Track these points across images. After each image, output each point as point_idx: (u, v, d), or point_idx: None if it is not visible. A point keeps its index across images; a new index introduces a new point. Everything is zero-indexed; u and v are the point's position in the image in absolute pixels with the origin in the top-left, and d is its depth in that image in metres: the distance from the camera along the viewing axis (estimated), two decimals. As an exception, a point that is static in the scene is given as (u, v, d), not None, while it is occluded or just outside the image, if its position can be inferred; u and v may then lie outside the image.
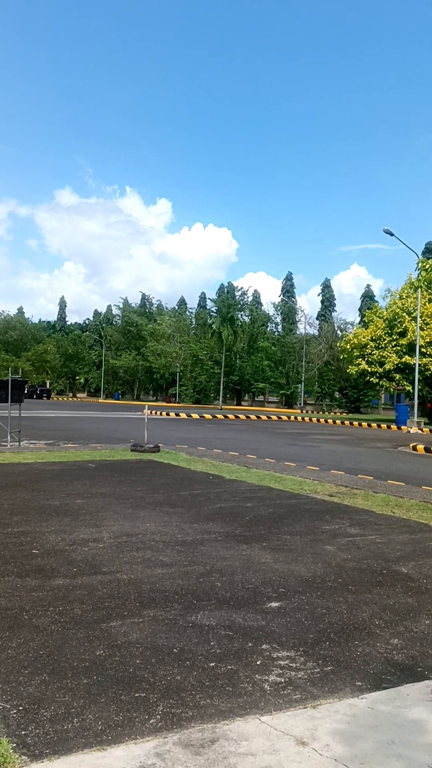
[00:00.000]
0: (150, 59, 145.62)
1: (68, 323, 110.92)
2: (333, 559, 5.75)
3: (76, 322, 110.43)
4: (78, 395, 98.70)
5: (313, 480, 10.94)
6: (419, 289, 32.60)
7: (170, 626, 3.99)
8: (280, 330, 73.76)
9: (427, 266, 18.15)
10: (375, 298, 71.98)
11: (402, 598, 4.73)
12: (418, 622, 4.23)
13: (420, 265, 18.46)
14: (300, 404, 61.99)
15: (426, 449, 18.70)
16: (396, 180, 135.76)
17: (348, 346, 38.93)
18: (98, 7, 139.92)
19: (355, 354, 38.26)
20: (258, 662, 3.50)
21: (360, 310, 73.56)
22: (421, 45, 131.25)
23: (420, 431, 30.31)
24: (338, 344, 47.74)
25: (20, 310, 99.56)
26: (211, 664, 3.45)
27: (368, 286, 79.50)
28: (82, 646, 3.66)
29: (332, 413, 55.00)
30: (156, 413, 37.39)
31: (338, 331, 58.03)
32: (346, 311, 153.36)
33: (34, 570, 5.17)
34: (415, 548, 6.27)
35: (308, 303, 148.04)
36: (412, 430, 30.37)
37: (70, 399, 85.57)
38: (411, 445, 20.01)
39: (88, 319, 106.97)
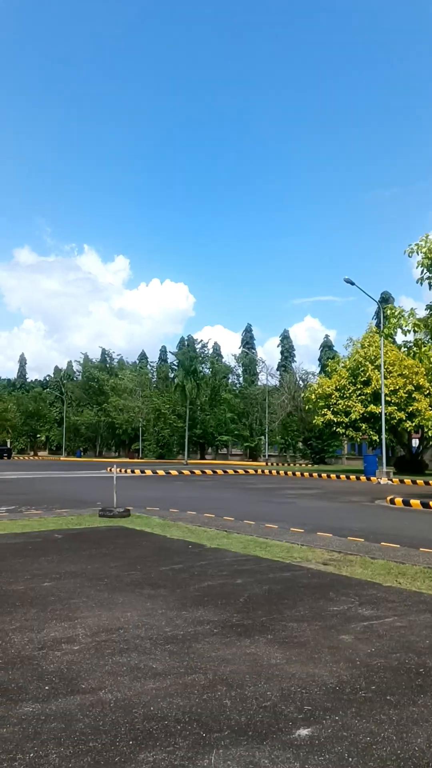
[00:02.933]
0: (102, 119, 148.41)
1: (28, 380, 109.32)
2: (355, 654, 4.86)
3: (36, 379, 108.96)
4: (39, 453, 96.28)
5: (301, 545, 10.05)
6: (381, 338, 32.55)
7: (180, 780, 3.05)
8: (241, 381, 73.58)
9: (396, 313, 17.83)
10: (333, 348, 72.62)
11: (455, 711, 3.86)
12: None
13: (389, 312, 18.13)
14: (265, 456, 61.22)
15: (404, 502, 18.00)
16: (346, 234, 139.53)
17: (313, 396, 38.56)
18: (52, 68, 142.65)
19: (320, 404, 37.87)
20: None
21: (320, 359, 74.08)
22: (361, 105, 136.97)
23: (390, 482, 29.76)
24: (302, 394, 47.47)
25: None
26: None
27: (326, 336, 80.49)
28: None
29: (297, 464, 54.35)
30: (121, 470, 36.08)
31: (300, 381, 57.88)
32: (304, 362, 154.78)
33: (-4, 691, 4.16)
34: (443, 633, 5.42)
35: (266, 354, 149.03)
36: (382, 481, 29.80)
37: (32, 458, 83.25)
38: (388, 498, 19.32)
39: (48, 375, 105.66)
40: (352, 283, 31.38)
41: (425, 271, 17.67)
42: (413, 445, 40.57)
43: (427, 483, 28.58)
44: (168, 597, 6.62)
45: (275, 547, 9.91)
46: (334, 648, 5.00)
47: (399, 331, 17.77)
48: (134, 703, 3.96)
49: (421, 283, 17.58)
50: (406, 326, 17.62)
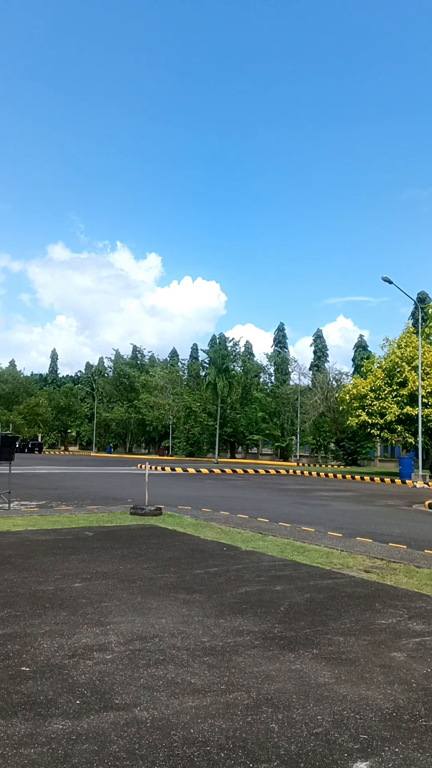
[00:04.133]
0: (138, 117, 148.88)
1: (60, 376, 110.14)
2: (409, 675, 4.46)
3: (67, 375, 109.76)
4: (70, 448, 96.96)
5: (341, 551, 9.64)
6: (420, 338, 31.80)
7: None
8: (273, 381, 73.01)
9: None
10: (368, 348, 71.64)
11: None
12: None
13: (431, 311, 17.52)
14: (296, 456, 60.63)
15: (444, 507, 17.41)
16: (380, 234, 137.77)
17: (347, 397, 37.91)
18: (89, 67, 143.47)
19: (354, 405, 37.21)
20: None
21: (353, 360, 73.14)
22: (396, 102, 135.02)
23: (426, 485, 29.07)
24: (336, 395, 46.81)
25: (12, 363, 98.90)
26: None
27: (361, 336, 79.43)
28: None
29: (329, 465, 53.67)
30: (152, 468, 35.94)
31: (333, 382, 57.13)
32: (337, 362, 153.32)
33: (24, 703, 3.85)
34: None
35: (297, 354, 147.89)
36: (417, 485, 29.13)
37: (62, 453, 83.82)
38: (426, 503, 18.72)
39: (79, 371, 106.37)
40: (390, 282, 30.75)
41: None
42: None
43: (464, 488, 27.86)
44: (204, 603, 6.28)
45: (313, 551, 9.51)
46: (386, 667, 4.61)
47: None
48: (172, 724, 3.62)
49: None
50: (449, 325, 17.02)
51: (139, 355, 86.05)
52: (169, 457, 63.31)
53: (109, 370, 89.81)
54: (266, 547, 9.73)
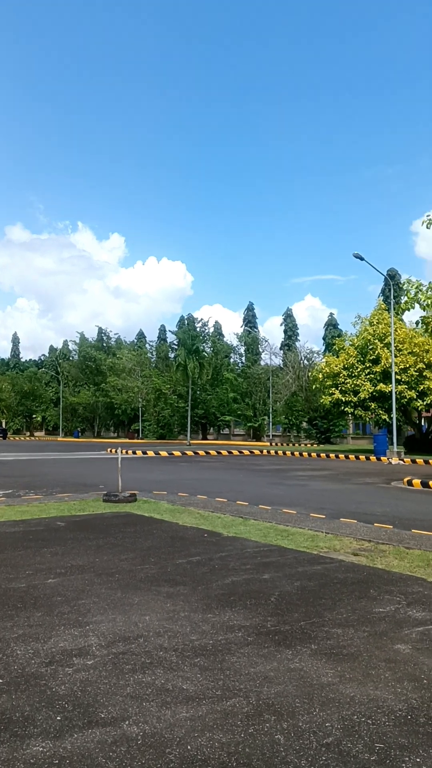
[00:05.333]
0: (98, 93, 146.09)
1: (23, 360, 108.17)
2: (418, 669, 4.13)
3: (31, 359, 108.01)
4: (35, 434, 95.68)
5: (326, 533, 9.34)
6: (392, 315, 31.69)
7: None
8: (243, 361, 72.74)
9: (415, 286, 16.96)
10: (338, 326, 71.74)
11: None
12: None
13: (408, 285, 17.28)
14: (268, 436, 60.61)
15: (423, 484, 17.30)
16: (347, 211, 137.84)
17: (320, 375, 37.78)
18: (47, 43, 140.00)
19: (327, 383, 37.09)
20: None
21: (324, 338, 73.22)
22: (363, 79, 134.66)
23: (401, 462, 29.11)
24: (309, 373, 46.71)
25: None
26: None
27: (331, 314, 79.55)
28: None
29: (302, 444, 53.72)
30: (123, 452, 35.42)
31: (304, 361, 57.04)
32: (307, 341, 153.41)
33: (-3, 723, 3.43)
34: None
35: (267, 334, 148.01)
36: (393, 461, 29.15)
37: (28, 438, 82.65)
38: (405, 479, 18.61)
39: (43, 355, 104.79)
40: (362, 258, 30.50)
41: (444, 242, 16.82)
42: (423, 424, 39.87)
43: (438, 463, 27.94)
44: (189, 596, 5.89)
45: (298, 535, 9.19)
46: (392, 662, 4.27)
47: (417, 306, 16.92)
48: (166, 740, 3.23)
49: (440, 255, 16.73)
50: (424, 300, 16.78)
51: (104, 338, 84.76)
52: (139, 441, 62.76)
53: (74, 353, 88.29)
54: (249, 532, 9.38)
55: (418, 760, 3.02)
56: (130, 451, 36.13)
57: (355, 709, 3.57)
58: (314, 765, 2.98)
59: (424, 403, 34.57)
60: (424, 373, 34.28)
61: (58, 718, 3.48)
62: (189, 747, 3.16)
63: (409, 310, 17.21)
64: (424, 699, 3.69)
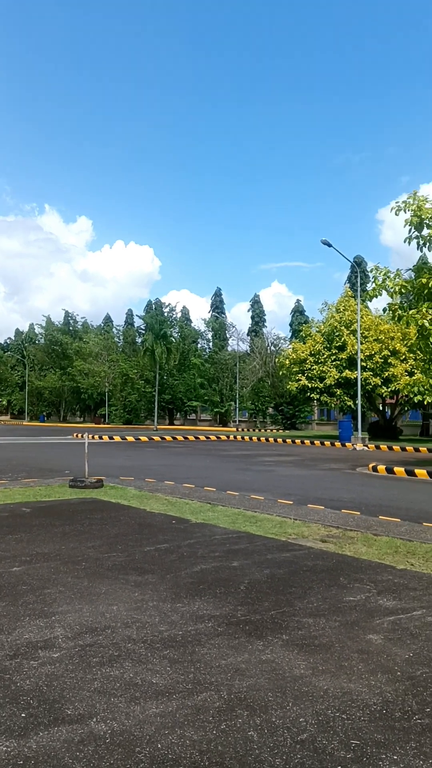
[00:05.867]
0: (65, 72, 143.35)
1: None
2: (391, 661, 4.08)
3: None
4: (0, 418, 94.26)
5: (294, 519, 9.30)
6: (358, 302, 31.85)
7: None
8: (211, 347, 72.60)
9: (382, 273, 16.98)
10: (305, 313, 71.99)
11: None
12: None
13: (375, 272, 17.29)
14: (235, 422, 60.73)
15: (388, 470, 17.45)
16: (313, 199, 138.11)
17: (287, 362, 37.86)
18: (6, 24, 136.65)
19: (294, 369, 37.20)
20: None
21: (291, 325, 73.43)
22: (329, 67, 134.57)
23: (366, 448, 29.39)
24: (275, 360, 46.79)
25: None
26: None
27: (298, 301, 79.64)
28: None
29: (268, 430, 53.92)
30: (90, 437, 35.09)
31: (271, 347, 57.13)
32: (274, 327, 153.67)
33: (-43, 722, 3.27)
34: None
35: (234, 320, 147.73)
36: (358, 447, 29.42)
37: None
38: (370, 465, 18.75)
39: (9, 338, 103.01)
40: (330, 245, 30.53)
41: (413, 230, 16.85)
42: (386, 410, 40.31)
43: (403, 449, 28.27)
44: (158, 585, 5.77)
45: (266, 521, 9.13)
46: (365, 653, 4.21)
47: (384, 293, 16.94)
48: (135, 738, 3.11)
49: (409, 243, 16.76)
50: (392, 287, 16.81)
51: (71, 322, 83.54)
52: (105, 425, 62.29)
53: (41, 336, 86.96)
54: (217, 519, 9.29)
55: (396, 757, 2.95)
56: (96, 436, 35.79)
57: (329, 703, 3.49)
58: (289, 764, 2.89)
59: (389, 389, 34.91)
60: (389, 360, 34.59)
61: (23, 715, 3.34)
62: (159, 745, 3.04)
63: (377, 296, 17.22)
64: (399, 692, 3.63)
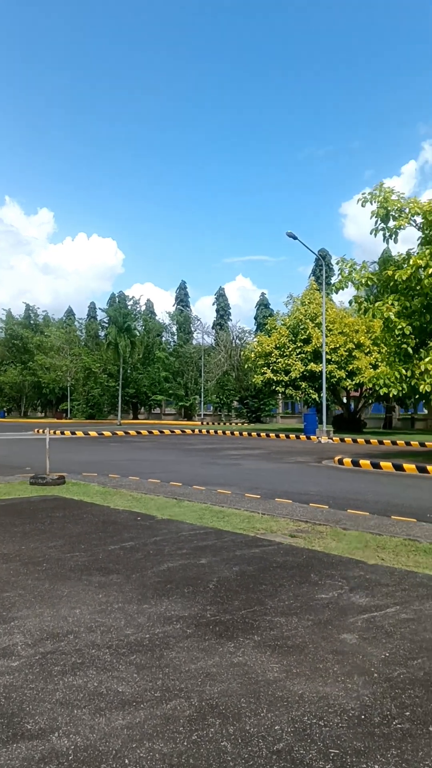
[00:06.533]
0: (25, 64, 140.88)
1: None
2: (367, 662, 3.93)
3: None
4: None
5: (262, 514, 9.15)
6: (324, 295, 31.91)
7: None
8: (175, 340, 72.28)
9: (349, 265, 16.96)
10: (270, 306, 72.09)
11: None
12: None
13: (342, 264, 17.26)
14: (200, 415, 60.58)
15: (353, 463, 17.46)
16: (277, 192, 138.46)
17: (252, 355, 37.84)
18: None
19: (259, 362, 37.18)
20: None
21: (256, 318, 73.45)
22: (292, 59, 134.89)
23: (330, 440, 29.51)
24: (241, 353, 46.75)
25: None
26: None
27: (263, 294, 79.69)
28: None
29: (233, 423, 53.92)
30: (52, 432, 34.53)
31: (236, 340, 57.07)
32: (240, 321, 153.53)
33: None
34: (458, 625, 4.59)
35: (199, 313, 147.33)
36: (322, 440, 29.51)
37: None
38: (336, 458, 18.75)
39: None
40: (295, 237, 30.49)
41: (379, 221, 16.85)
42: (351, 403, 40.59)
43: (367, 441, 28.44)
44: (123, 585, 5.55)
45: (234, 516, 8.97)
46: (339, 653, 4.06)
47: (350, 285, 16.92)
48: (101, 753, 2.90)
49: (375, 234, 16.77)
50: (358, 279, 16.80)
51: (32, 315, 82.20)
52: (67, 420, 61.51)
53: (1, 331, 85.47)
54: (183, 514, 9.09)
55: (377, 766, 2.80)
56: (58, 432, 35.25)
57: (305, 708, 3.32)
58: (266, 776, 2.71)
59: (353, 382, 35.13)
60: (354, 353, 34.80)
61: (-22, 732, 3.10)
62: (127, 761, 2.84)
63: (343, 289, 17.18)
64: (377, 695, 3.48)
